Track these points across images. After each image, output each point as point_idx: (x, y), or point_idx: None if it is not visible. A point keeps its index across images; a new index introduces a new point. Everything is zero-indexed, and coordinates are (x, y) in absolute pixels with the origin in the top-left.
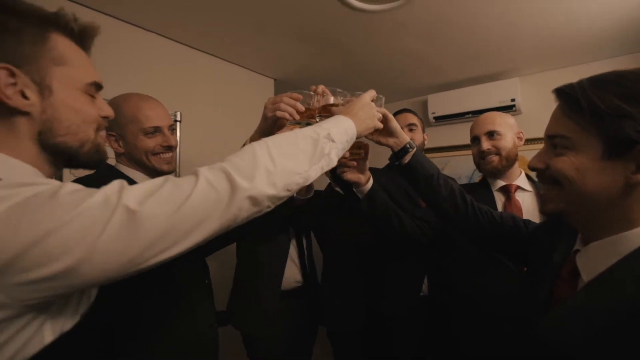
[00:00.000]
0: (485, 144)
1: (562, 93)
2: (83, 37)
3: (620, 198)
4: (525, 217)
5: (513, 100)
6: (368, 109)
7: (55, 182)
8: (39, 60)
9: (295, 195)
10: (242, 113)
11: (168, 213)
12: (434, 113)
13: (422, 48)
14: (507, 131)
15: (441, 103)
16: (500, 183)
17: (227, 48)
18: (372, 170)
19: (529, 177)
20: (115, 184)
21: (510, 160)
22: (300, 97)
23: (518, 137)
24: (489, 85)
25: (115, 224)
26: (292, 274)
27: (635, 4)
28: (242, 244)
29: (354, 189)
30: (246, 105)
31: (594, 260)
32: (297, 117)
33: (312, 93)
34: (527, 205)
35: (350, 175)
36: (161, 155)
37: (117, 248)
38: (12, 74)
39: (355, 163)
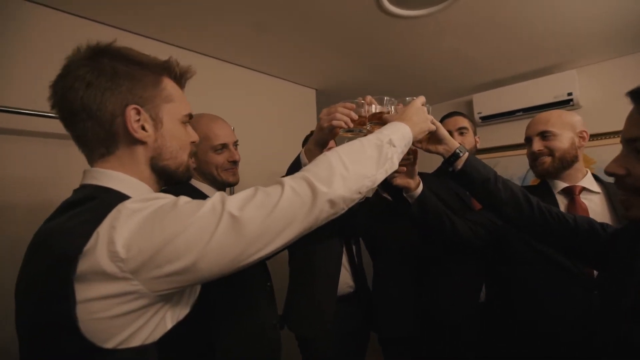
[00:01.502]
0: (537, 145)
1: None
2: (182, 77)
3: None
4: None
5: (570, 94)
6: (421, 113)
7: (172, 197)
8: (155, 100)
9: None
10: (286, 123)
11: (263, 217)
12: (480, 113)
13: (466, 49)
14: (564, 131)
15: (487, 102)
16: (562, 184)
17: (271, 62)
18: (421, 175)
19: (596, 178)
20: (218, 195)
21: (565, 162)
22: (354, 106)
23: (580, 137)
24: (542, 80)
25: (223, 227)
26: (344, 278)
27: None
28: (295, 250)
29: (404, 194)
30: (290, 116)
31: None
32: (352, 125)
33: (362, 101)
34: (595, 208)
35: (400, 181)
36: (228, 170)
37: (225, 247)
38: (138, 112)
39: (405, 168)
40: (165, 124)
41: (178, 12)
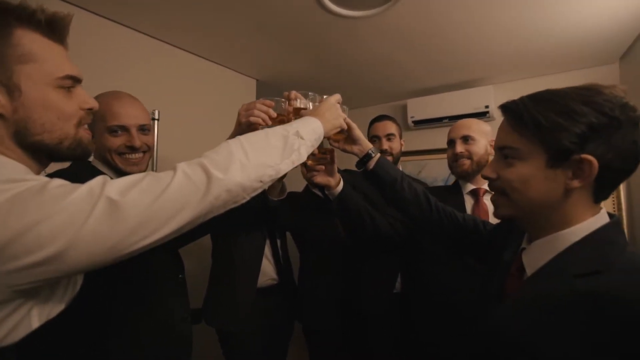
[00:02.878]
0: (459, 147)
1: (508, 109)
2: (53, 28)
3: (559, 202)
4: (491, 219)
5: (487, 107)
6: (334, 110)
7: (43, 178)
8: (3, 60)
9: (269, 196)
10: (224, 112)
11: (148, 202)
12: (412, 117)
13: (400, 55)
14: (481, 137)
15: (420, 108)
16: (470, 187)
17: (211, 48)
18: (351, 172)
19: None
20: (99, 178)
21: (480, 165)
22: (273, 103)
23: (490, 145)
24: (465, 92)
25: (98, 213)
26: (267, 271)
27: (608, 18)
28: (217, 243)
29: (326, 192)
30: (228, 105)
31: (535, 256)
32: (270, 122)
33: (283, 100)
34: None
35: (320, 179)
36: (127, 155)
37: (100, 235)
38: None
39: (323, 167)
40: (25, 92)
41: None
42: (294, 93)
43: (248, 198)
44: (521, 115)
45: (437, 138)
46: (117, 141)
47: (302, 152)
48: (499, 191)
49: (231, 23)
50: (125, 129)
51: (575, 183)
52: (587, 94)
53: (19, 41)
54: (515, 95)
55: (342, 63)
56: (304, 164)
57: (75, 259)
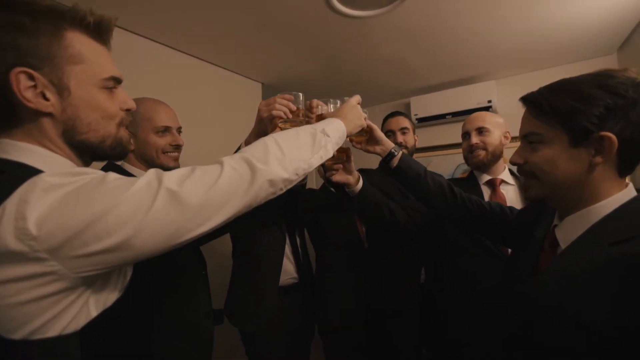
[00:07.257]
0: (474, 139)
1: (528, 100)
2: (100, 31)
3: (586, 178)
4: None
5: (489, 101)
6: (355, 111)
7: (100, 172)
8: (55, 60)
9: None
10: (231, 115)
11: (203, 191)
12: (416, 115)
13: (405, 53)
14: (495, 129)
15: (423, 105)
16: (486, 177)
17: (216, 52)
18: (367, 170)
19: (511, 172)
20: (153, 172)
21: (495, 156)
22: (292, 97)
23: (505, 136)
24: (468, 88)
25: (160, 202)
26: (288, 270)
27: (606, 10)
28: (238, 242)
29: (346, 189)
30: (235, 108)
31: (569, 231)
32: (290, 115)
33: (299, 94)
34: (511, 197)
35: (339, 177)
36: (169, 153)
37: (162, 223)
38: (31, 77)
39: (341, 166)
40: (73, 91)
41: None
42: (315, 101)
43: (285, 189)
44: (541, 104)
45: (441, 134)
46: (162, 141)
47: (328, 148)
48: (529, 175)
49: (235, 25)
50: (169, 129)
51: (599, 159)
52: (599, 79)
53: (70, 42)
54: (516, 89)
55: (346, 63)
56: (322, 164)
57: (139, 246)
